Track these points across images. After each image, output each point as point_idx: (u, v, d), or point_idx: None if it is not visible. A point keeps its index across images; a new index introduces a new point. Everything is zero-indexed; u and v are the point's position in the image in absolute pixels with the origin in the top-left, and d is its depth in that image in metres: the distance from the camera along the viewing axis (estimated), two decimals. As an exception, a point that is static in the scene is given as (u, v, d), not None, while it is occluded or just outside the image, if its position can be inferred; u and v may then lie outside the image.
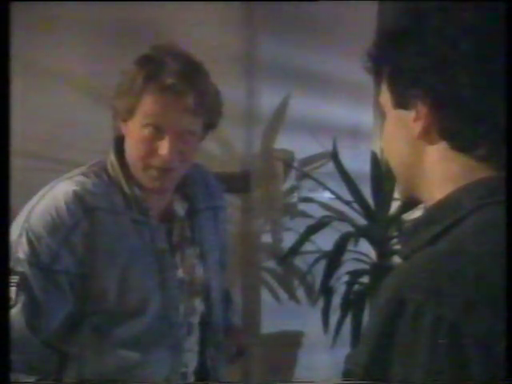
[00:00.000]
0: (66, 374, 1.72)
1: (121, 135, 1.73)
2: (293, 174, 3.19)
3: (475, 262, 0.93)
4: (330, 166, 3.05)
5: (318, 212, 3.12)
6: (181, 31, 2.77)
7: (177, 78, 1.63)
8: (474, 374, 0.87)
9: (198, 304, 1.84)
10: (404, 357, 0.90)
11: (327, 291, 2.90)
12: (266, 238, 3.21)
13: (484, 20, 1.00)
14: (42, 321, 1.67)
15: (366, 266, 2.98)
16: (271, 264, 3.19)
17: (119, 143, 1.75)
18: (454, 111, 1.00)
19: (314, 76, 3.14)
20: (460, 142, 1.02)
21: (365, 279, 2.97)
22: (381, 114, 1.13)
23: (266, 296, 3.16)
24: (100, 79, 2.60)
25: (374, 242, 3.01)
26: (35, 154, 2.71)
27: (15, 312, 1.63)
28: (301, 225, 3.02)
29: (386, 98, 1.08)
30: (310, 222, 3.02)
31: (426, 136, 1.03)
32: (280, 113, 3.14)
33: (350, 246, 2.93)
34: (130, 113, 1.67)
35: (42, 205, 1.68)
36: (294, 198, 3.23)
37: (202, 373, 1.87)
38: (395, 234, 3.02)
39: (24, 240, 1.65)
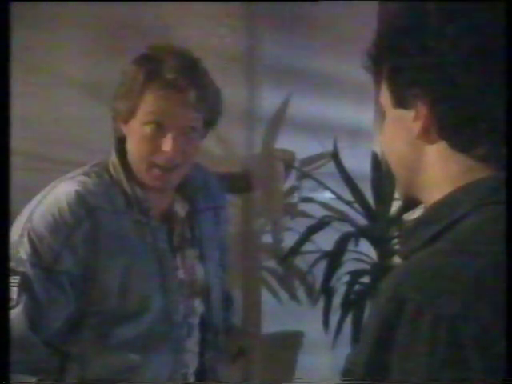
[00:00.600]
0: (68, 375, 1.72)
1: (122, 135, 1.73)
2: (293, 173, 3.19)
3: (475, 262, 0.93)
4: (331, 166, 3.05)
5: (319, 212, 3.12)
6: (181, 31, 2.77)
7: (177, 74, 1.63)
8: (474, 373, 0.87)
9: (198, 304, 1.84)
10: (403, 357, 0.90)
11: (328, 291, 2.90)
12: (267, 238, 3.21)
13: (484, 20, 1.00)
14: (44, 321, 1.67)
15: (367, 266, 2.98)
16: (272, 264, 3.18)
17: (121, 143, 1.75)
18: (453, 111, 1.00)
19: (315, 76, 3.14)
20: (459, 142, 1.02)
21: (365, 279, 2.97)
22: (381, 114, 1.13)
23: (266, 296, 3.15)
24: (100, 79, 2.60)
25: (374, 242, 3.01)
26: (35, 154, 2.71)
27: (17, 312, 1.63)
28: (301, 225, 3.02)
29: (385, 97, 1.08)
30: (311, 221, 3.02)
31: (426, 135, 1.03)
32: (280, 113, 3.14)
33: (351, 246, 2.93)
34: (131, 113, 1.67)
35: (43, 205, 1.68)
36: (295, 197, 3.22)
37: (203, 373, 1.87)
38: (396, 233, 3.02)
39: (26, 240, 1.65)
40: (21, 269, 1.64)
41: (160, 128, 1.66)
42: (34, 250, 1.65)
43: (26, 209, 1.70)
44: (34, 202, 1.71)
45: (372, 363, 0.93)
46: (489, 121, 1.00)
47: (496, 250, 0.93)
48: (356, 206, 3.02)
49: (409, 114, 1.03)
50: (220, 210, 1.94)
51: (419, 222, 1.05)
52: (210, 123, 1.74)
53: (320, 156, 3.18)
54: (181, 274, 1.80)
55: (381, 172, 2.95)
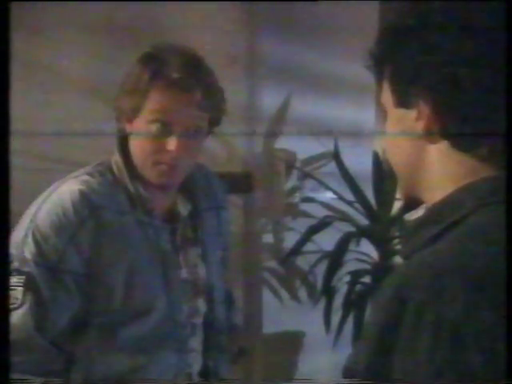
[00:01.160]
0: (72, 375, 1.72)
1: (125, 135, 1.73)
2: (294, 174, 3.19)
3: (476, 262, 0.92)
4: (332, 166, 3.05)
5: (320, 212, 3.11)
6: (181, 31, 2.77)
7: (182, 73, 1.64)
8: (475, 373, 0.87)
9: (201, 304, 1.84)
10: (405, 356, 0.90)
11: (329, 291, 2.90)
12: (268, 238, 3.21)
13: (485, 19, 1.00)
14: (49, 321, 1.67)
15: (368, 266, 2.98)
16: (273, 264, 3.18)
17: (124, 143, 1.74)
18: (455, 110, 1.00)
19: (315, 76, 3.13)
20: (461, 142, 1.02)
21: (366, 279, 2.97)
22: (382, 114, 1.12)
23: (267, 296, 3.15)
24: (101, 79, 2.60)
25: (375, 242, 3.01)
26: (36, 154, 2.71)
27: (22, 313, 1.63)
28: (302, 225, 3.02)
29: (387, 97, 1.08)
30: (312, 222, 3.02)
31: (427, 135, 1.03)
32: (281, 113, 3.14)
33: (352, 246, 2.93)
34: (136, 112, 1.67)
35: (47, 204, 1.68)
36: (296, 198, 3.22)
37: (205, 373, 1.87)
38: (397, 234, 3.01)
39: (30, 240, 1.65)
40: (25, 269, 1.64)
41: (165, 127, 1.66)
42: (39, 250, 1.65)
43: (29, 209, 1.70)
44: (37, 201, 1.71)
45: (373, 363, 0.93)
46: (491, 120, 1.00)
47: (497, 249, 0.93)
48: (357, 206, 3.02)
49: (411, 114, 1.03)
50: (222, 210, 1.94)
51: (420, 222, 1.05)
52: (214, 122, 1.75)
53: (321, 156, 3.18)
54: (184, 273, 1.80)
55: (382, 172, 2.95)
